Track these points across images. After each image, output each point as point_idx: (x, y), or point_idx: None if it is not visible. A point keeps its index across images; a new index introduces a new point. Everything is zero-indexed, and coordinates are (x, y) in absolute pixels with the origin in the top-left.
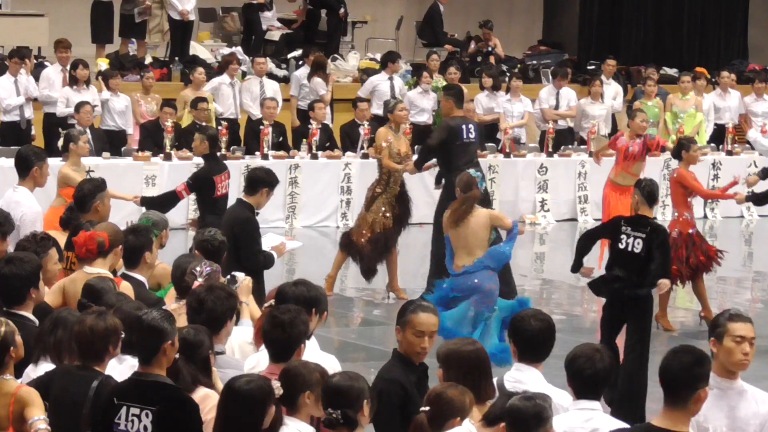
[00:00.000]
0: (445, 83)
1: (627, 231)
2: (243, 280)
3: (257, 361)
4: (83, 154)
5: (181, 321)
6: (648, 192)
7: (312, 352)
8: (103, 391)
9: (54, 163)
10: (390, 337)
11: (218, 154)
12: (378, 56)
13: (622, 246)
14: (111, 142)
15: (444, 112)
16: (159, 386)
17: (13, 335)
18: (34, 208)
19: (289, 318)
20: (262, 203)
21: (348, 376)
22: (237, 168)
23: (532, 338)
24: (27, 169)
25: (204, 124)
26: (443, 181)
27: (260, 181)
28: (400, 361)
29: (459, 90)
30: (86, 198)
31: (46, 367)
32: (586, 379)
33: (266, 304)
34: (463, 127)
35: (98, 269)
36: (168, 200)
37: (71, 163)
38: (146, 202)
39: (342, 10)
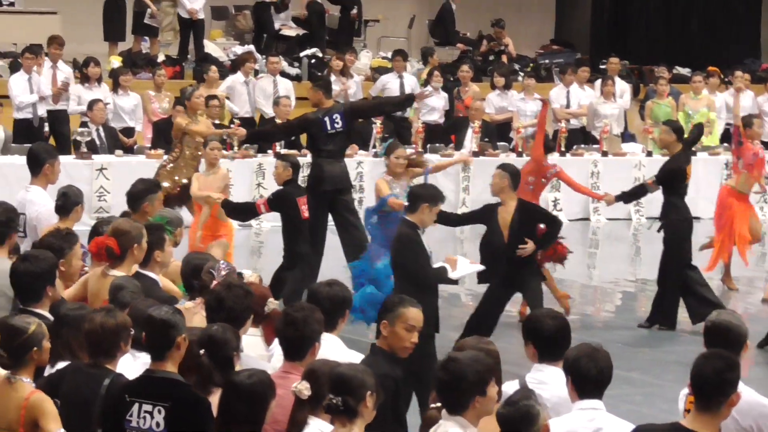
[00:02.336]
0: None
1: None
2: (250, 276)
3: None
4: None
5: (196, 320)
6: (514, 173)
7: (339, 350)
8: (114, 389)
9: (67, 160)
10: None
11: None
12: (390, 55)
13: None
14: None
15: (312, 104)
16: (171, 383)
17: (41, 338)
18: (48, 205)
19: (302, 316)
20: (426, 220)
21: (355, 367)
22: (249, 166)
23: (549, 337)
24: (39, 166)
25: (216, 121)
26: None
27: (419, 197)
28: (384, 356)
29: (327, 81)
30: (136, 198)
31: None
32: (591, 378)
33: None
34: (326, 119)
35: (118, 272)
36: (247, 210)
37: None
38: (226, 205)
39: (354, 11)
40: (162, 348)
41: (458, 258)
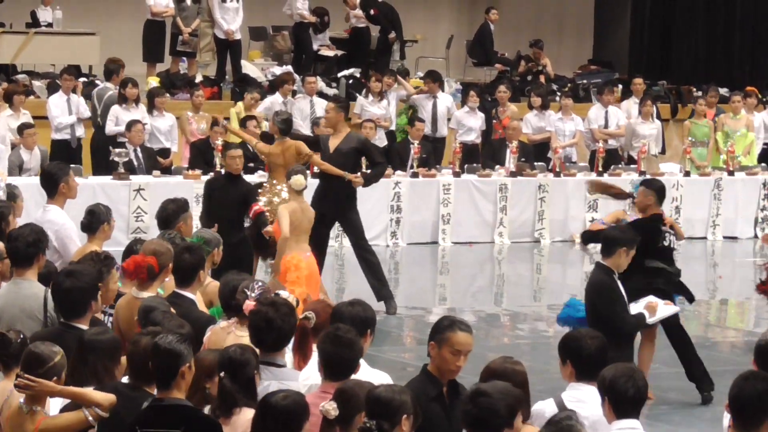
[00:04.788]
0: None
1: (666, 230)
2: (287, 298)
3: (308, 375)
4: None
5: (230, 339)
6: (660, 188)
7: (363, 370)
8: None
9: (104, 181)
10: None
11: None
12: None
13: (666, 243)
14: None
15: (331, 124)
16: (181, 408)
17: (62, 369)
18: (66, 224)
19: (348, 338)
20: (622, 264)
21: (392, 389)
22: None
23: (589, 357)
24: (54, 186)
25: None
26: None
27: (616, 241)
28: (426, 377)
29: (348, 104)
30: (170, 218)
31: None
32: (630, 398)
33: (302, 316)
34: None
35: (147, 293)
36: None
37: None
38: None
39: (392, 35)
40: (167, 377)
41: (658, 302)
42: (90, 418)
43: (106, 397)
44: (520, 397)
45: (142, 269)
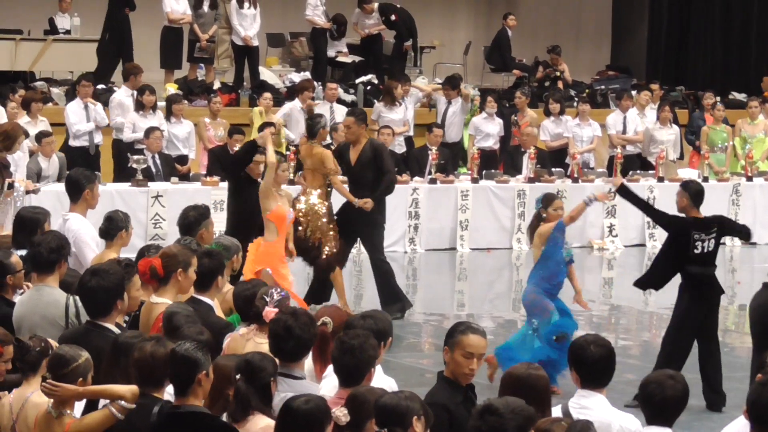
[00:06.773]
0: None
1: (699, 236)
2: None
3: (321, 386)
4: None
5: (249, 346)
6: (696, 192)
7: (376, 377)
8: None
9: (122, 188)
10: None
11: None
12: None
13: (698, 251)
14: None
15: (354, 139)
16: (198, 416)
17: (87, 371)
18: (83, 229)
19: (358, 343)
20: None
21: (396, 395)
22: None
23: (594, 364)
24: (78, 192)
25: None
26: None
27: None
28: (446, 383)
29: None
30: (191, 225)
31: None
32: (655, 404)
33: (319, 322)
34: None
35: (162, 299)
36: None
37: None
38: None
39: (408, 42)
40: (184, 384)
41: None
42: (116, 413)
43: (130, 389)
44: (533, 416)
45: (145, 269)
